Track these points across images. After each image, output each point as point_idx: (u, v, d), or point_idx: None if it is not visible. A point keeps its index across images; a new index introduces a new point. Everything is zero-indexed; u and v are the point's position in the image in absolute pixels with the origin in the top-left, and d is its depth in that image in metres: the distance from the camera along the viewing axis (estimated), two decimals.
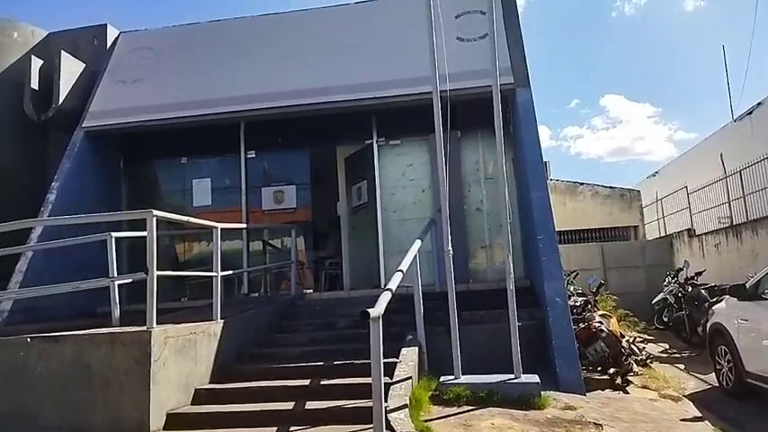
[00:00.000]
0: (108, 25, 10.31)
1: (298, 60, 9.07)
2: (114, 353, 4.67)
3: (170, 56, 9.81)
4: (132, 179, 9.76)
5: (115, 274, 5.56)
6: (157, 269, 4.96)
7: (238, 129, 9.30)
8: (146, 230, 4.94)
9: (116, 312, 5.48)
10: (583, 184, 20.67)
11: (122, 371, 4.63)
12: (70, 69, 9.49)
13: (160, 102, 9.02)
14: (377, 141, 9.04)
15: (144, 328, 4.70)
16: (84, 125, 8.98)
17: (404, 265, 5.67)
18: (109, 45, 10.17)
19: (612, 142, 65.03)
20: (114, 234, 5.78)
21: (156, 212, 4.91)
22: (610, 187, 20.61)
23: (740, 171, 12.36)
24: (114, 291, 5.52)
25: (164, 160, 9.93)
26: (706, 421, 5.20)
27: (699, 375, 7.41)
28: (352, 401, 4.84)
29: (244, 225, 8.74)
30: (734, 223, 12.36)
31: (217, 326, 5.75)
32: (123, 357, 4.65)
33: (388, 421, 4.30)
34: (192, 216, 6.82)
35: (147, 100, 9.11)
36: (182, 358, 5.05)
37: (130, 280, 5.62)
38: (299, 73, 8.87)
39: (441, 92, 5.79)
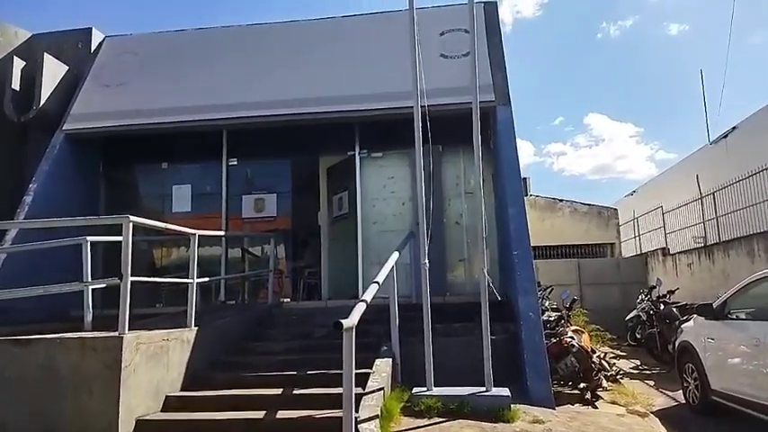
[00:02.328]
0: (93, 29, 10.30)
1: (283, 71, 9.15)
2: (85, 358, 4.64)
3: (155, 61, 9.81)
4: (112, 183, 9.70)
5: (89, 279, 5.55)
6: (133, 275, 4.96)
7: (221, 136, 9.32)
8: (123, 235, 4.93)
9: (89, 317, 5.46)
10: (562, 200, 20.99)
11: (92, 376, 4.61)
12: (53, 71, 9.45)
13: (143, 107, 9.01)
14: (359, 153, 9.12)
15: (116, 333, 4.68)
16: (64, 128, 8.94)
17: (380, 277, 5.73)
18: (93, 49, 10.15)
19: (595, 160, 66.03)
20: (90, 238, 5.78)
21: (132, 218, 4.91)
22: (588, 204, 20.95)
23: (714, 193, 12.66)
24: (88, 295, 5.50)
25: (144, 165, 9.91)
26: None
27: (667, 392, 7.54)
28: (324, 411, 4.86)
29: (222, 233, 8.74)
30: (707, 243, 12.63)
31: (190, 333, 5.74)
32: (94, 362, 4.62)
33: (357, 431, 4.33)
34: (171, 222, 6.83)
35: (130, 104, 9.09)
36: (153, 365, 5.03)
37: (105, 285, 5.59)
38: (283, 83, 8.94)
39: (422, 107, 5.90)
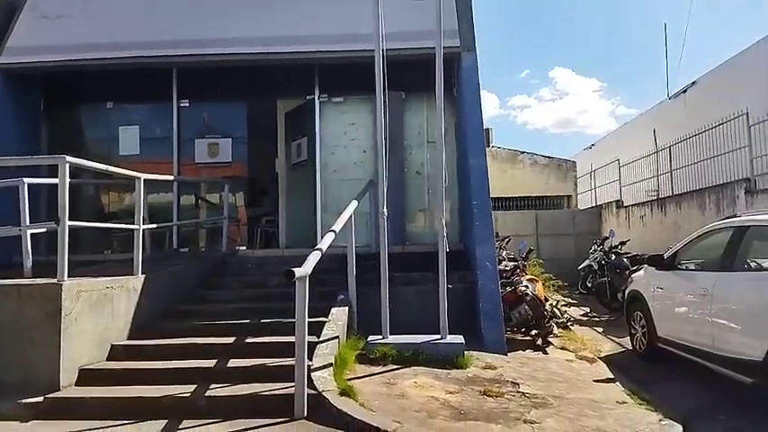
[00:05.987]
0: None
1: (239, 7, 8.59)
2: (23, 306, 4.44)
3: None
4: (54, 123, 9.07)
5: (27, 223, 5.23)
6: (80, 219, 4.72)
7: (170, 75, 8.78)
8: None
9: (28, 263, 5.17)
10: (523, 152, 21.12)
11: (32, 325, 4.42)
12: None
13: (86, 41, 8.34)
14: (319, 97, 8.76)
15: (54, 280, 4.45)
16: None
17: (337, 226, 5.62)
18: None
19: (558, 114, 66.54)
20: (27, 180, 5.42)
21: (69, 159, 4.58)
22: (548, 157, 21.15)
23: (669, 147, 12.88)
24: (27, 240, 5.21)
25: (88, 104, 9.26)
26: (617, 382, 5.49)
27: (614, 338, 7.81)
28: (276, 360, 4.81)
29: (171, 177, 8.31)
30: (660, 197, 12.94)
31: (137, 281, 5.53)
32: (33, 311, 4.43)
33: (310, 380, 4.30)
34: (119, 166, 6.45)
35: (72, 38, 8.40)
36: (97, 313, 4.84)
37: (44, 230, 5.30)
38: (239, 20, 8.39)
39: (385, 50, 5.64)
